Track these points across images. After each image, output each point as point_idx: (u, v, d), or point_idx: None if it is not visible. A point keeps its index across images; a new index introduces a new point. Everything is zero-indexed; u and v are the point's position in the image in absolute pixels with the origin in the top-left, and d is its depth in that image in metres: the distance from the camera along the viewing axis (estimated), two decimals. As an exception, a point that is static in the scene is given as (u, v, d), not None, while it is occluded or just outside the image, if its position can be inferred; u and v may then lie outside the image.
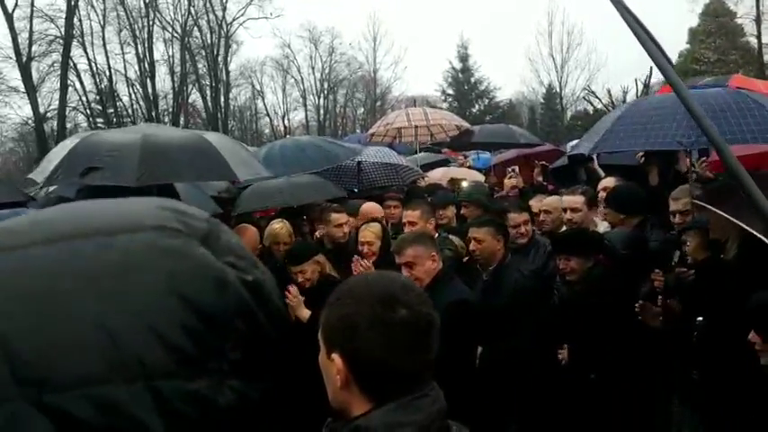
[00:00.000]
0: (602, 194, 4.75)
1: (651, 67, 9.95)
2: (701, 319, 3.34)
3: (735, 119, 3.34)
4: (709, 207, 3.02)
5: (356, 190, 7.37)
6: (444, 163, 10.36)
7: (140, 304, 0.46)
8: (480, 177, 8.83)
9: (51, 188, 5.91)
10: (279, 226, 4.88)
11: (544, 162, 6.49)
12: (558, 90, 38.39)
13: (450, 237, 4.69)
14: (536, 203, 5.08)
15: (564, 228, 4.58)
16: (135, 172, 3.67)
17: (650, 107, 3.88)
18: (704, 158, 4.46)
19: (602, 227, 4.46)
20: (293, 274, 4.04)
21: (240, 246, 0.53)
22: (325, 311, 1.34)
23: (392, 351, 1.24)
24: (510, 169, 7.56)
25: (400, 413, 1.21)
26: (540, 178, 6.12)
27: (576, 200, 4.43)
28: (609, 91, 29.82)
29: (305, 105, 41.19)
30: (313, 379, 1.43)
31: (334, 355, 1.26)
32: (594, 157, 6.19)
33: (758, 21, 31.65)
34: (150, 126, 4.80)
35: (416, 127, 9.22)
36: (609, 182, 5.12)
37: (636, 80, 25.38)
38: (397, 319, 1.25)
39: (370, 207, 5.44)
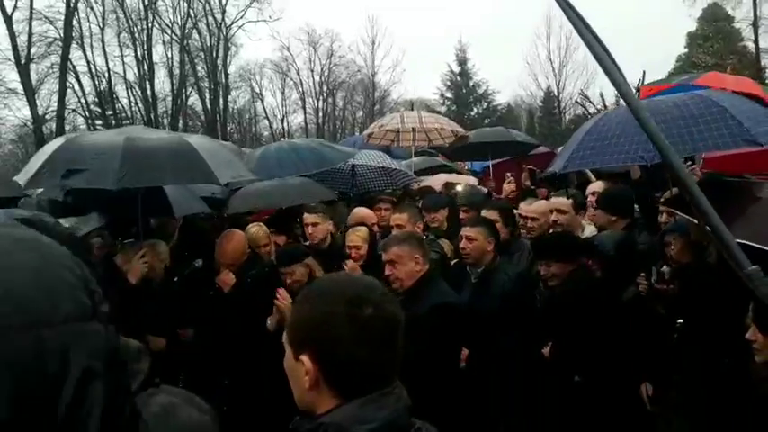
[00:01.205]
0: (590, 199, 4.80)
1: (644, 72, 9.95)
2: (681, 321, 3.38)
3: (696, 126, 3.40)
4: (676, 211, 3.08)
5: (351, 194, 7.42)
6: (442, 168, 10.31)
7: (58, 266, 0.65)
8: (475, 181, 8.88)
9: (39, 190, 5.95)
10: (255, 230, 4.94)
11: (532, 166, 6.52)
12: (556, 94, 38.47)
13: (440, 240, 4.73)
14: (525, 207, 5.11)
15: (551, 231, 4.61)
16: (115, 175, 3.72)
17: (615, 121, 3.94)
18: (689, 163, 4.54)
19: (589, 230, 4.50)
20: (282, 275, 4.09)
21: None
22: (293, 313, 1.37)
23: (361, 348, 1.28)
24: (508, 174, 7.57)
25: (365, 410, 1.25)
26: (528, 182, 6.14)
27: (564, 201, 4.46)
28: (602, 95, 29.84)
29: (304, 108, 41.31)
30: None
31: (304, 357, 1.29)
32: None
33: (755, 25, 31.74)
34: (135, 128, 4.80)
35: (414, 129, 9.18)
36: (597, 186, 5.19)
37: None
38: (365, 317, 1.29)
39: (361, 212, 5.48)
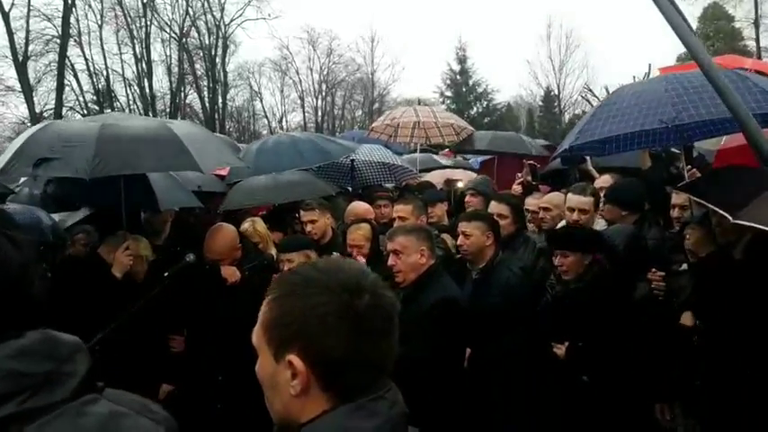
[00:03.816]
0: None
1: (650, 65, 9.81)
2: (698, 322, 3.21)
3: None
4: (696, 198, 2.94)
5: (349, 188, 7.28)
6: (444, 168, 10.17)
7: None
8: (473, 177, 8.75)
9: (21, 185, 5.80)
10: (246, 226, 4.81)
11: (532, 162, 6.41)
12: (556, 93, 38.38)
13: (442, 236, 4.59)
14: (532, 201, 4.98)
15: (563, 221, 4.46)
16: (89, 163, 3.53)
17: (629, 93, 3.90)
18: (690, 166, 4.43)
19: (599, 225, 4.35)
20: (281, 262, 4.01)
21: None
22: (273, 308, 1.17)
23: (359, 342, 1.11)
24: (519, 175, 7.49)
25: (353, 418, 1.08)
26: (530, 178, 6.03)
27: (585, 201, 4.30)
28: (607, 89, 29.51)
29: (303, 107, 41.20)
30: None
31: (292, 357, 1.10)
32: (588, 158, 6.13)
33: (756, 24, 31.67)
34: (113, 115, 4.64)
35: (420, 122, 9.01)
36: (604, 180, 5.05)
37: (634, 77, 25.21)
38: (363, 306, 1.12)
39: (359, 207, 5.33)
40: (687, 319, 3.39)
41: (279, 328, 1.14)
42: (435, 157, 10.78)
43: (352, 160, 7.04)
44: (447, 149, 11.96)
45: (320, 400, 1.11)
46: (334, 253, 4.25)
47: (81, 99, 34.58)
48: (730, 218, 2.49)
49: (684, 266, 3.58)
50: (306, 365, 1.10)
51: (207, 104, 37.83)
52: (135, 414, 1.01)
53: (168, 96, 37.15)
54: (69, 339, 1.02)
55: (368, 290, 1.15)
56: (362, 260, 3.98)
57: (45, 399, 0.93)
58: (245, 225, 4.78)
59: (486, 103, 40.26)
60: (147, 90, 35.84)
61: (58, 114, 30.62)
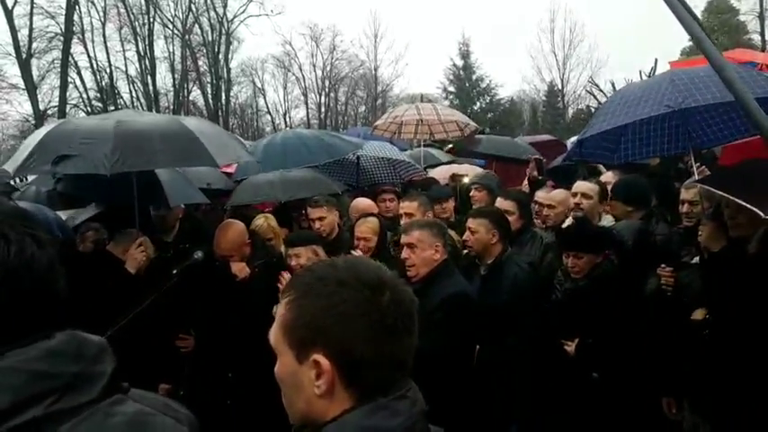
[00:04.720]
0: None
1: (656, 59, 9.78)
2: (707, 315, 3.20)
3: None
4: (715, 190, 2.92)
5: (355, 186, 7.27)
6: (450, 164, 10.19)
7: None
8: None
9: (28, 183, 5.81)
10: (260, 222, 4.79)
11: (538, 156, 6.40)
12: (560, 87, 38.26)
13: (449, 232, 4.58)
14: (542, 195, 4.97)
15: (569, 217, 4.45)
16: (108, 159, 3.54)
17: (636, 87, 4.03)
18: (699, 164, 4.42)
19: (606, 221, 4.35)
20: (288, 257, 4.00)
21: None
22: (291, 308, 1.15)
23: (384, 338, 1.11)
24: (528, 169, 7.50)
25: (376, 418, 1.07)
26: (536, 173, 6.01)
27: (590, 186, 4.29)
28: (613, 84, 29.37)
29: (306, 103, 41.17)
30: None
31: (317, 357, 1.09)
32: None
33: (761, 17, 31.51)
34: (125, 112, 4.66)
35: (423, 119, 8.99)
36: (608, 177, 5.05)
37: (640, 72, 25.06)
38: (385, 303, 1.12)
39: (363, 203, 5.32)
40: (699, 315, 3.38)
41: (300, 329, 1.13)
42: (434, 152, 10.74)
43: (358, 157, 7.03)
44: (450, 146, 11.90)
45: (343, 398, 1.10)
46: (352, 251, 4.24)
47: (84, 96, 34.64)
48: (762, 214, 2.45)
49: (696, 260, 3.56)
50: (332, 365, 1.09)
51: (210, 101, 37.87)
52: (160, 414, 1.01)
53: (171, 93, 37.27)
54: (95, 339, 1.01)
55: (389, 286, 1.15)
56: (359, 253, 3.99)
57: (74, 400, 0.92)
58: (259, 221, 4.78)
59: (489, 98, 40.16)
60: (151, 87, 35.92)
61: (61, 112, 30.69)
